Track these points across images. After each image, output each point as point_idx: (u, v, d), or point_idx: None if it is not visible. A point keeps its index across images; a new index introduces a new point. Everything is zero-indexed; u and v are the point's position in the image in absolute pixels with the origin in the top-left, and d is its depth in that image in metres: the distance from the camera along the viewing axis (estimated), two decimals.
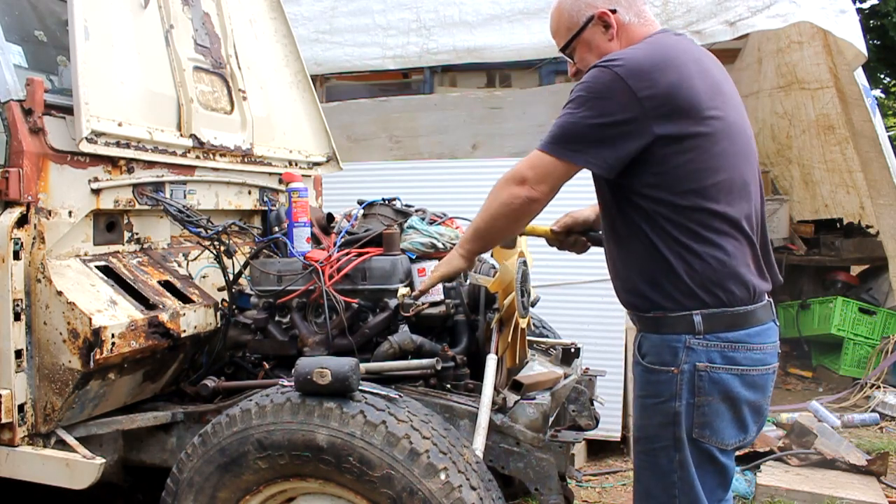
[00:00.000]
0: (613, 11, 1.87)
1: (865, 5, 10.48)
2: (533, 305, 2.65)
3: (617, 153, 1.71)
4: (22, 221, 2.09)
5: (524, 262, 2.35)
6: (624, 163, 1.73)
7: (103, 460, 2.13)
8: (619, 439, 4.04)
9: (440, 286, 2.32)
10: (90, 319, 2.07)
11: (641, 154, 1.72)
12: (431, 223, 2.55)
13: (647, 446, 1.83)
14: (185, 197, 2.61)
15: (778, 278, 1.91)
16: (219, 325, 2.48)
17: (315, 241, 2.65)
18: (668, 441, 1.78)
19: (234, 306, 2.47)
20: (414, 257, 2.43)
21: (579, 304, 4.02)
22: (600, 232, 2.14)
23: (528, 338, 2.60)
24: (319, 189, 3.40)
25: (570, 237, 2.27)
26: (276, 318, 2.47)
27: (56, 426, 2.18)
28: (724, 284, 1.74)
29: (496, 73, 5.91)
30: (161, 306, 2.31)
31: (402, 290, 2.30)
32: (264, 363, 2.43)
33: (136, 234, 2.50)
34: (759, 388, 1.79)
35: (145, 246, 2.54)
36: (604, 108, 1.70)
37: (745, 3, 4.22)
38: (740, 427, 1.78)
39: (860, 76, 5.22)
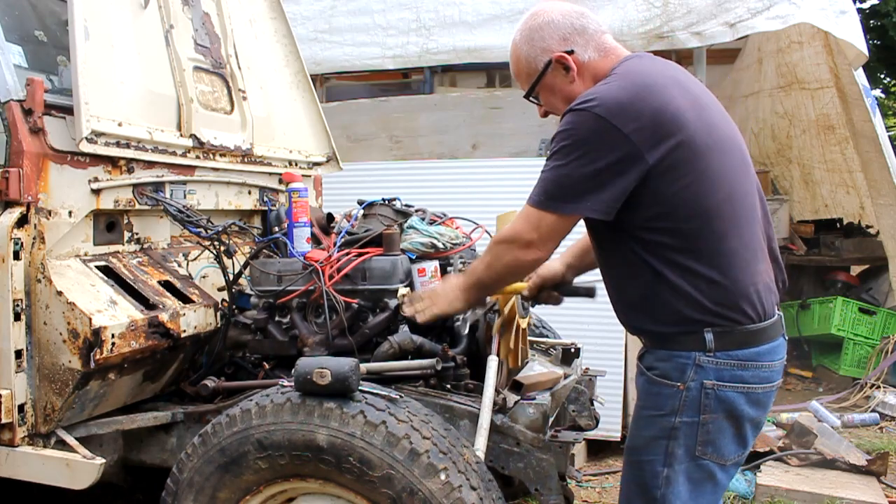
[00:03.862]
0: (570, 52, 1.82)
1: (865, 5, 10.49)
2: (533, 306, 2.65)
3: (616, 193, 1.66)
4: (22, 221, 2.09)
5: None
6: (623, 200, 1.67)
7: (103, 460, 2.13)
8: (619, 439, 4.03)
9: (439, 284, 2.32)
10: (90, 319, 2.07)
11: (637, 188, 1.66)
12: (431, 223, 2.55)
13: (635, 457, 1.81)
14: (185, 197, 2.60)
15: (784, 281, 1.89)
16: (219, 325, 2.48)
17: (315, 241, 2.65)
18: (657, 455, 1.75)
19: (234, 306, 2.47)
20: (414, 257, 2.43)
21: (579, 304, 4.00)
22: (573, 283, 2.28)
23: (528, 338, 2.60)
24: (319, 189, 3.40)
25: (543, 293, 2.31)
26: (276, 319, 2.47)
27: (56, 426, 2.18)
28: (735, 305, 1.69)
29: (496, 73, 5.91)
30: (161, 306, 2.31)
31: (402, 290, 2.30)
32: (264, 363, 2.43)
33: (136, 234, 2.50)
34: (763, 405, 1.76)
35: (145, 246, 2.54)
36: (594, 154, 1.64)
37: (745, 4, 4.23)
38: (740, 443, 1.76)
39: (860, 76, 5.23)
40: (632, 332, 1.91)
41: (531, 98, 1.94)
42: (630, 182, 1.65)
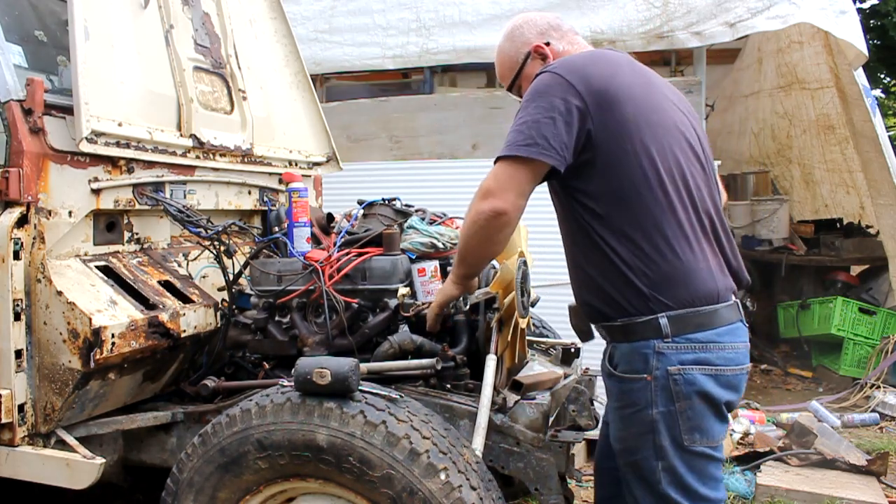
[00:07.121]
0: (547, 44, 2.02)
1: (865, 5, 10.48)
2: (533, 305, 2.65)
3: (565, 140, 1.73)
4: (22, 221, 2.09)
5: (524, 262, 2.35)
6: (572, 152, 1.74)
7: (103, 460, 2.13)
8: None
9: (439, 284, 2.33)
10: (90, 319, 2.07)
11: (586, 154, 1.75)
12: (431, 223, 2.55)
13: (629, 458, 1.83)
14: (185, 197, 2.61)
15: (745, 277, 1.91)
16: (219, 325, 2.48)
17: (315, 241, 2.65)
18: (648, 450, 1.77)
19: (234, 306, 2.47)
20: (414, 257, 2.43)
21: None
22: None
23: (528, 338, 2.60)
24: (319, 189, 3.40)
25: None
26: (276, 318, 2.47)
27: (56, 426, 2.18)
28: (686, 283, 1.73)
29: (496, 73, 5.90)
30: (161, 306, 2.31)
31: (403, 290, 2.30)
32: (264, 363, 2.43)
33: (136, 234, 2.50)
34: (735, 388, 1.78)
35: (145, 246, 2.54)
36: (548, 102, 1.75)
37: (745, 4, 4.22)
38: (723, 420, 1.78)
39: (860, 76, 5.22)
40: (592, 317, 1.94)
41: (512, 91, 2.10)
42: (578, 134, 1.73)
